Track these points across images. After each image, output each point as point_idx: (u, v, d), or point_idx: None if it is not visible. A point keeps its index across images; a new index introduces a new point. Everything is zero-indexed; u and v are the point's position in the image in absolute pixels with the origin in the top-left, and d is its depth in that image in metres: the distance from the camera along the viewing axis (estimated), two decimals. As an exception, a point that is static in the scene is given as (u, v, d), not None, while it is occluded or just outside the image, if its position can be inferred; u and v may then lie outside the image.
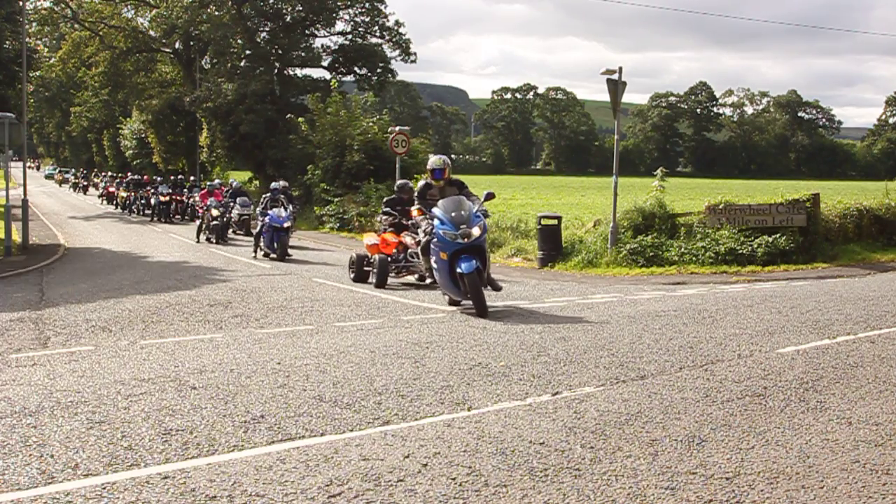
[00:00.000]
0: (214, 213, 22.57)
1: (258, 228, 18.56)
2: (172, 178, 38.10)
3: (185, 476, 4.11)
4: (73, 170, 71.65)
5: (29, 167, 71.60)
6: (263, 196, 19.60)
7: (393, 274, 12.93)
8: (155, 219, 32.76)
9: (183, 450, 4.52)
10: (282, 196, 19.10)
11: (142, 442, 4.66)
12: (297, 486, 3.97)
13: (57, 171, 76.39)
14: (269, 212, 18.25)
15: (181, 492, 3.90)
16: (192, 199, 32.50)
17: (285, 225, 17.95)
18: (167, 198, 32.48)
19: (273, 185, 20.25)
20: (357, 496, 3.83)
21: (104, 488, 3.95)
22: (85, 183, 58.14)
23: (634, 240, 15.47)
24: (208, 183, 26.90)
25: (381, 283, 12.45)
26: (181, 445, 4.59)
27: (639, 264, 14.95)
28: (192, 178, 38.02)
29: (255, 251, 18.25)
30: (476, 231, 9.60)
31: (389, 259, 12.80)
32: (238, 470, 4.20)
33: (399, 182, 14.25)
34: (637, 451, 4.47)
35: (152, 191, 34.23)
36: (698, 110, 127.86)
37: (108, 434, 4.81)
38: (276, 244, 17.67)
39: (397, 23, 39.46)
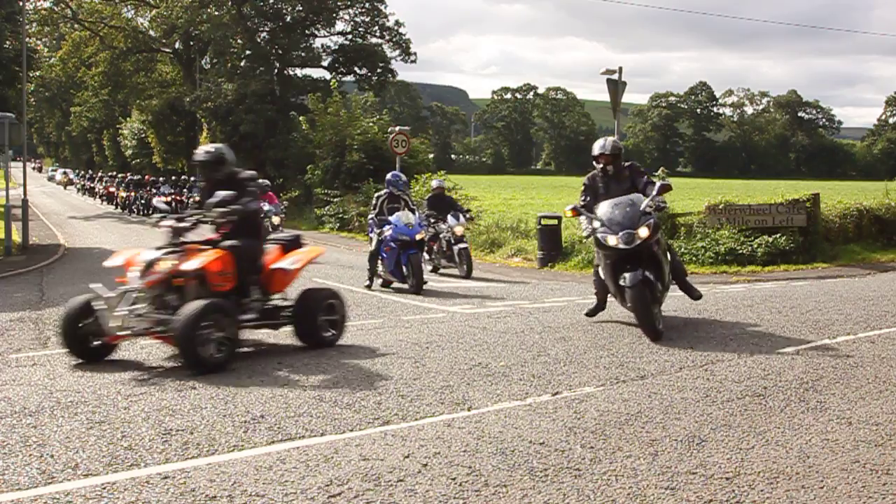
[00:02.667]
0: (276, 220, 18.06)
1: (374, 245, 12.50)
2: (174, 178, 38.07)
3: (185, 476, 4.10)
4: (79, 171, 71.23)
5: (32, 168, 71.09)
6: (377, 195, 13.38)
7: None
8: (155, 219, 32.74)
9: (183, 450, 4.52)
10: (406, 195, 13.21)
11: (142, 442, 4.66)
12: (297, 486, 3.97)
13: (62, 172, 75.38)
14: (392, 218, 12.35)
15: (181, 492, 3.90)
16: (191, 199, 32.50)
17: (417, 237, 12.17)
18: (167, 198, 32.50)
19: (391, 175, 13.42)
20: (357, 496, 3.83)
21: (104, 488, 3.95)
22: (91, 185, 58.02)
23: (634, 240, 15.45)
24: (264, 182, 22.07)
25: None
26: (181, 445, 4.59)
27: (639, 264, 14.93)
28: (192, 178, 37.99)
29: (371, 279, 12.43)
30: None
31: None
32: (238, 470, 4.20)
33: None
34: (637, 451, 4.47)
35: (153, 191, 34.26)
36: (698, 110, 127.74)
37: (108, 434, 4.80)
38: (406, 268, 11.96)
39: (397, 23, 39.44)
